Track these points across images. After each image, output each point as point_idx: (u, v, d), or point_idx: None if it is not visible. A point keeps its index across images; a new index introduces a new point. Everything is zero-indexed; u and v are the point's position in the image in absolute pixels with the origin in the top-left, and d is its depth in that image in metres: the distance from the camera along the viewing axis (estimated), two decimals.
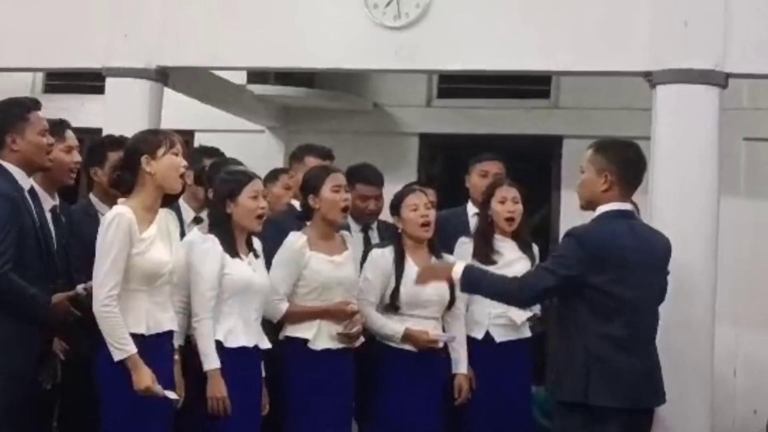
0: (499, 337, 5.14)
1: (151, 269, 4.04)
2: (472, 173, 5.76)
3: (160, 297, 4.10)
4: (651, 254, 4.04)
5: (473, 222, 5.60)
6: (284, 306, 4.68)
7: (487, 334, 5.12)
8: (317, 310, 4.72)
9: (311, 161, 5.23)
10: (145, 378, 3.96)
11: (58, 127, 4.52)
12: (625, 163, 4.07)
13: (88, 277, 4.11)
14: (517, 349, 5.17)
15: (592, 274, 3.91)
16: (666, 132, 5.32)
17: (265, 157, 7.55)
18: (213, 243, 4.38)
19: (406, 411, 4.82)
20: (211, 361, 4.27)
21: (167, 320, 4.13)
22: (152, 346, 4.05)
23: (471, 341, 5.12)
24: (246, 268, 4.43)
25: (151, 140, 4.12)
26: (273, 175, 5.56)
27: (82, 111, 7.66)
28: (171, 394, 4.05)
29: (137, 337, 3.99)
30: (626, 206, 4.08)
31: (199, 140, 7.93)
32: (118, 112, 5.92)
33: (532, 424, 5.27)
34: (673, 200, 5.25)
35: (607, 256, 3.92)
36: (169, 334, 4.15)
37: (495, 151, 5.92)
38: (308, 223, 4.87)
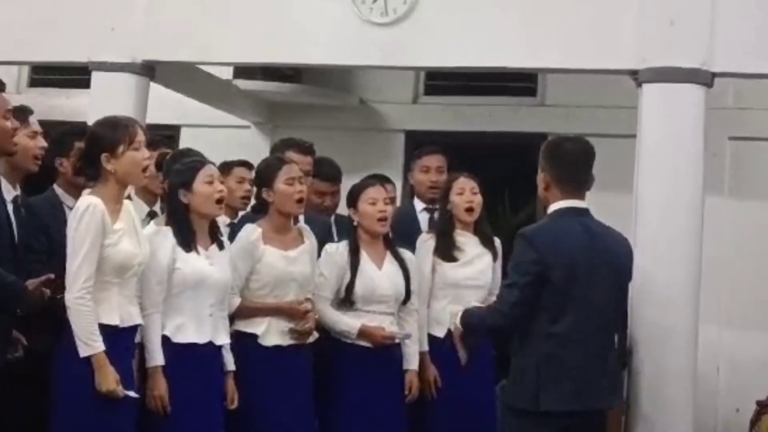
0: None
1: (122, 261, 3.99)
2: (414, 169, 5.78)
3: (128, 290, 4.06)
4: (604, 253, 3.99)
5: (421, 218, 5.61)
6: (236, 301, 4.58)
7: (449, 332, 5.11)
8: (269, 307, 4.64)
9: (292, 156, 5.18)
10: (109, 379, 3.90)
11: (20, 112, 4.37)
12: (559, 159, 4.02)
13: (53, 271, 4.04)
14: (479, 346, 5.14)
15: (547, 273, 3.89)
16: (652, 130, 5.32)
17: (251, 153, 7.50)
18: (164, 236, 4.30)
19: (365, 407, 4.78)
20: (154, 358, 4.19)
21: (136, 314, 4.09)
22: (124, 338, 4.01)
23: (433, 339, 5.09)
24: (200, 263, 4.32)
25: (109, 137, 4.03)
26: (226, 168, 5.43)
27: (67, 105, 7.64)
28: (132, 394, 4.00)
29: (110, 329, 3.95)
30: (578, 203, 4.03)
31: (185, 135, 7.92)
32: (103, 106, 5.83)
33: (496, 421, 5.26)
34: (657, 199, 5.25)
35: (555, 254, 3.90)
36: (136, 328, 4.11)
37: (480, 149, 5.91)
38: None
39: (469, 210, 5.16)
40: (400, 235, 5.18)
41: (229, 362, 4.46)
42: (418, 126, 7.92)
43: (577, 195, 4.03)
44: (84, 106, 6.12)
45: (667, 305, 5.12)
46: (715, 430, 7.08)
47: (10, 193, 4.37)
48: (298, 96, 7.83)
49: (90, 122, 5.59)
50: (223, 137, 7.65)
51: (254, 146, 7.78)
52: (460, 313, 4.26)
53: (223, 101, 7.56)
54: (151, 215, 4.93)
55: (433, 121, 7.84)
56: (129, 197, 4.72)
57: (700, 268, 5.27)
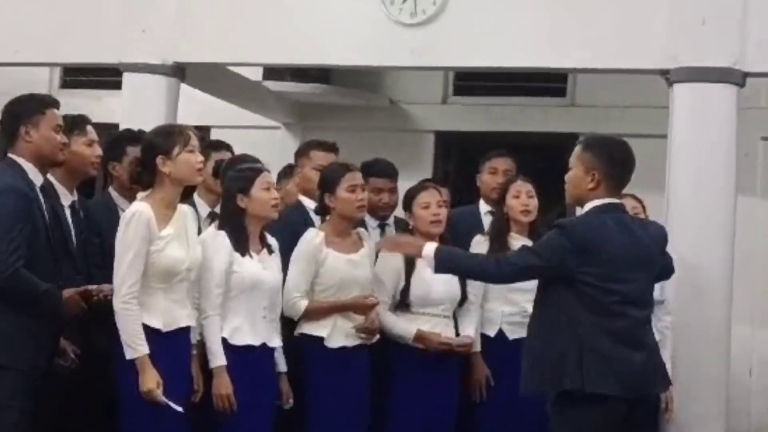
0: (512, 334, 5.13)
1: (168, 267, 4.06)
2: (483, 171, 5.76)
3: (177, 294, 4.12)
4: (639, 248, 4.00)
5: (486, 220, 5.59)
6: (304, 303, 4.65)
7: (500, 331, 5.12)
8: (337, 304, 4.70)
9: (316, 155, 5.21)
10: (149, 381, 3.97)
11: (78, 121, 4.51)
12: (613, 161, 4.04)
13: (108, 273, 4.12)
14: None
15: (580, 267, 3.89)
16: (683, 130, 5.31)
17: (281, 154, 7.53)
18: (222, 239, 4.38)
19: (420, 410, 4.81)
20: (217, 359, 4.27)
21: (184, 316, 4.15)
22: (168, 342, 4.07)
23: (484, 339, 5.11)
24: (255, 266, 4.42)
25: (165, 139, 4.13)
26: (288, 171, 5.56)
27: (99, 107, 7.65)
28: (174, 406, 4.04)
29: (153, 332, 4.02)
30: (615, 200, 4.06)
31: (215, 136, 7.93)
32: (135, 107, 5.94)
33: (547, 420, 5.25)
34: (689, 199, 5.23)
35: (593, 249, 3.91)
36: (186, 330, 4.17)
37: (510, 149, 5.91)
38: (322, 220, 4.88)
39: (525, 212, 5.19)
40: (463, 236, 5.22)
41: (281, 364, 4.54)
42: (448, 126, 7.92)
43: (616, 194, 4.07)
44: (116, 108, 6.17)
45: (699, 306, 5.10)
46: None
47: (67, 198, 4.46)
48: (328, 97, 7.84)
49: (122, 124, 5.67)
50: (252, 138, 7.66)
51: (284, 147, 7.80)
52: (431, 250, 4.13)
53: (252, 102, 7.59)
54: (212, 216, 4.99)
55: (462, 122, 7.84)
56: (191, 197, 4.79)
57: (732, 269, 5.24)
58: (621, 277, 3.92)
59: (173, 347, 4.10)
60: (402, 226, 5.23)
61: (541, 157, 7.57)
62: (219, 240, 4.38)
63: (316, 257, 4.69)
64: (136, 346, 3.97)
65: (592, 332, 3.89)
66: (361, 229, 4.95)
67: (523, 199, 5.19)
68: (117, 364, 4.04)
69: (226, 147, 5.34)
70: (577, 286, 3.91)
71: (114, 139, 4.86)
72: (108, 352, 4.11)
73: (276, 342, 4.49)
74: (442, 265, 4.14)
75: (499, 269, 4.05)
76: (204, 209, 5.06)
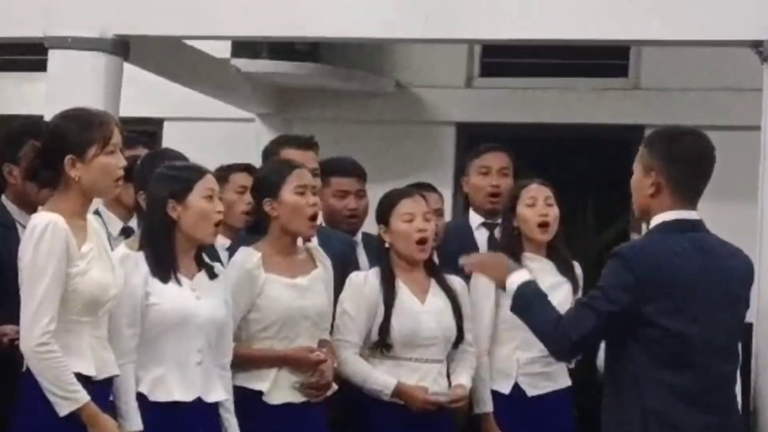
0: (533, 389, 5.11)
1: (94, 295, 3.98)
2: (471, 173, 5.75)
3: (101, 330, 4.06)
4: (723, 278, 3.95)
5: (480, 236, 5.61)
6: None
7: (516, 386, 5.08)
8: (271, 356, 4.65)
9: (290, 155, 5.10)
10: (111, 429, 3.95)
11: None
12: (675, 157, 3.97)
13: (6, 310, 4.04)
14: (557, 403, 5.13)
15: (644, 305, 3.87)
16: None
17: (256, 153, 7.52)
18: (136, 263, 4.27)
19: None
20: (130, 422, 4.16)
21: (111, 361, 4.09)
22: (100, 394, 4.00)
23: (496, 396, 5.07)
24: (183, 295, 4.29)
25: (79, 133, 4.02)
26: (223, 174, 5.39)
27: (18, 93, 7.69)
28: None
29: (83, 382, 3.94)
30: (689, 215, 4.01)
31: (170, 131, 7.95)
32: (64, 94, 5.89)
33: None
34: None
35: (660, 282, 3.87)
36: (112, 380, 4.11)
37: (554, 145, 5.89)
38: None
39: (543, 225, 5.14)
40: (451, 257, 5.18)
41: (232, 426, 4.45)
42: (472, 116, 7.92)
43: (690, 205, 4.01)
44: (40, 95, 6.15)
45: None
46: None
47: None
48: (316, 79, 7.84)
49: (47, 115, 5.63)
50: (219, 133, 7.68)
51: (260, 145, 7.77)
52: (517, 281, 4.12)
53: (218, 87, 7.59)
54: (125, 233, 4.93)
55: (491, 110, 7.84)
56: (97, 211, 4.73)
57: None
58: (697, 316, 3.89)
59: (105, 402, 4.04)
60: (373, 247, 5.16)
61: (596, 157, 7.58)
62: (130, 264, 4.25)
63: (251, 285, 4.62)
64: (72, 395, 3.88)
65: (658, 391, 3.87)
66: (314, 246, 4.87)
67: (540, 207, 5.15)
68: (21, 428, 3.94)
69: (142, 142, 5.28)
70: (642, 331, 3.88)
71: (10, 134, 4.71)
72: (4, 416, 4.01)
73: (217, 395, 4.38)
74: (515, 306, 4.06)
75: (557, 342, 3.99)
76: (114, 225, 4.98)
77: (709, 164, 4.01)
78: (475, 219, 5.73)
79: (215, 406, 4.39)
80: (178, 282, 4.32)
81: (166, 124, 7.84)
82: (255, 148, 7.68)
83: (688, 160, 3.98)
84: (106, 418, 3.95)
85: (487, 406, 5.06)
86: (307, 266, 4.77)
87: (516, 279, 4.07)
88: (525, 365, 5.06)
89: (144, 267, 4.27)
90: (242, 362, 4.60)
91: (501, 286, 4.13)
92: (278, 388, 4.64)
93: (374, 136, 7.65)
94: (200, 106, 7.71)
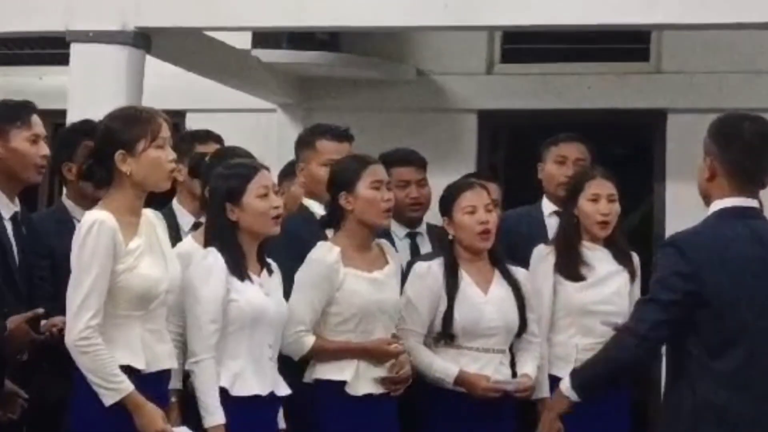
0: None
1: (143, 289, 4.04)
2: (547, 160, 5.73)
3: (155, 323, 4.11)
4: None
5: (550, 223, 5.57)
6: (310, 340, 4.66)
7: (575, 371, 5.10)
8: (353, 348, 4.71)
9: (325, 147, 5.16)
10: (155, 420, 3.98)
11: (21, 110, 4.50)
12: (729, 142, 3.96)
13: (61, 303, 4.09)
14: (612, 390, 5.12)
15: (701, 291, 3.86)
16: None
17: (278, 144, 7.54)
18: (215, 259, 4.36)
19: None
20: (214, 416, 4.25)
21: (165, 355, 4.14)
22: (153, 387, 4.06)
23: (555, 382, 5.02)
24: (258, 292, 4.41)
25: (126, 129, 4.10)
26: (290, 169, 5.55)
27: (40, 87, 7.70)
28: (183, 429, 4.11)
29: (132, 374, 4.01)
30: (748, 202, 3.99)
31: (192, 123, 7.95)
32: (86, 88, 5.94)
33: None
34: None
35: (716, 267, 3.86)
36: (166, 373, 4.17)
37: (576, 130, 5.88)
38: (332, 232, 4.85)
39: (604, 224, 5.18)
40: (521, 247, 5.20)
41: (281, 419, 4.52)
42: (494, 104, 7.89)
43: (748, 191, 3.99)
44: (61, 89, 6.17)
45: None
46: None
47: (9, 209, 4.47)
48: (336, 68, 7.83)
49: (70, 109, 5.67)
50: (240, 125, 7.66)
51: (282, 135, 7.80)
52: (567, 384, 4.24)
53: (239, 78, 7.59)
54: (197, 227, 4.97)
55: (512, 97, 7.81)
56: (170, 207, 4.74)
57: None
58: (755, 304, 3.88)
59: (158, 395, 4.08)
60: (438, 237, 5.21)
61: (619, 142, 7.56)
62: (210, 259, 4.36)
63: (331, 279, 4.69)
64: (116, 385, 3.94)
65: (711, 381, 3.86)
66: (383, 241, 4.96)
67: (602, 205, 5.18)
68: (76, 419, 4.01)
69: (214, 137, 5.32)
70: (698, 317, 3.87)
71: (66, 133, 4.85)
72: (64, 403, 4.09)
73: (285, 389, 4.49)
74: (581, 389, 4.17)
75: (641, 344, 3.96)
76: (186, 220, 5.04)
77: (762, 150, 3.98)
78: (547, 206, 5.69)
79: (281, 400, 4.48)
80: (251, 280, 4.41)
81: (188, 115, 7.84)
82: (277, 139, 7.73)
83: (743, 145, 3.95)
84: (151, 407, 3.99)
85: (544, 391, 5.06)
86: (380, 261, 4.85)
87: (564, 384, 4.23)
88: (584, 351, 5.02)
89: (222, 263, 4.36)
90: (321, 354, 4.70)
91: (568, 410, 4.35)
92: (360, 380, 4.71)
93: (395, 125, 7.64)
94: (222, 98, 7.72)
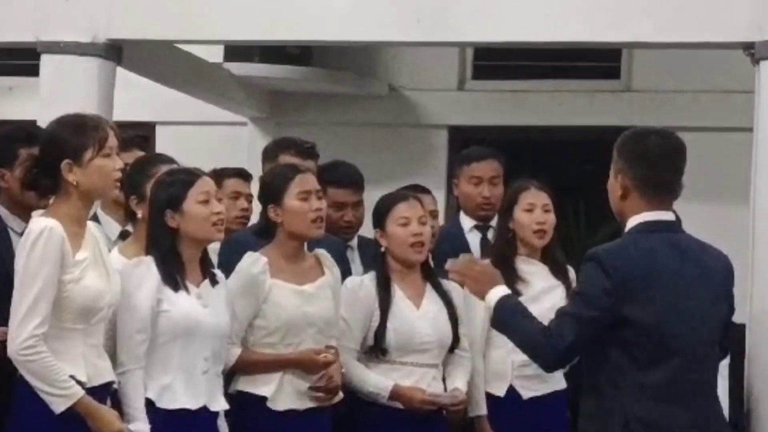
0: (527, 391, 5.11)
1: (87, 302, 4.01)
2: (461, 179, 5.75)
3: (95, 338, 4.08)
4: (700, 276, 3.95)
5: (472, 239, 5.61)
6: (236, 352, 4.59)
7: (511, 389, 5.09)
8: (280, 359, 4.65)
9: (288, 161, 5.14)
10: (112, 421, 3.98)
11: None
12: (637, 158, 3.96)
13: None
14: (552, 405, 5.14)
15: (622, 306, 3.86)
16: None
17: (248, 157, 7.54)
18: (147, 268, 4.31)
19: None
20: (138, 426, 4.19)
21: (105, 369, 4.11)
22: (95, 399, 4.02)
23: (490, 399, 5.08)
24: (191, 304, 4.33)
25: (74, 138, 4.06)
26: (217, 178, 5.42)
27: (10, 98, 7.69)
28: (140, 426, 4.10)
29: None
30: (663, 216, 4.01)
31: (162, 135, 7.95)
32: (57, 99, 5.89)
33: None
34: None
35: (637, 281, 3.87)
36: (107, 386, 4.13)
37: (547, 147, 5.89)
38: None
39: (540, 233, 5.16)
40: (444, 261, 5.19)
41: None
42: (465, 120, 7.93)
43: (662, 205, 4.00)
44: (31, 100, 6.15)
45: None
46: None
47: None
48: (308, 83, 7.85)
49: (40, 120, 5.63)
50: (210, 138, 7.68)
51: (252, 148, 7.79)
52: (495, 296, 4.11)
53: (210, 91, 7.58)
54: (124, 236, 4.94)
55: (484, 113, 7.85)
56: (95, 216, 4.73)
57: None
58: (676, 316, 3.88)
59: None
60: (368, 251, 5.17)
61: (587, 159, 7.58)
62: (142, 269, 4.30)
63: (256, 291, 4.63)
64: (66, 391, 3.91)
65: (639, 395, 3.86)
66: (322, 252, 4.89)
67: (537, 214, 5.16)
68: (18, 428, 3.96)
69: (137, 144, 5.27)
70: (621, 333, 3.87)
71: (1, 138, 4.72)
72: None
73: (220, 404, 4.44)
74: (497, 321, 4.08)
75: (556, 358, 3.94)
76: (112, 229, 4.97)
77: (671, 162, 3.96)
78: (466, 222, 5.73)
79: (216, 414, 4.43)
80: (187, 290, 4.35)
81: (158, 128, 7.85)
82: (248, 152, 7.72)
83: (649, 159, 3.96)
84: (106, 409, 4.00)
85: (482, 408, 5.06)
86: (314, 273, 4.79)
87: (496, 293, 4.07)
88: (520, 367, 5.05)
89: (156, 274, 4.31)
90: (248, 366, 4.65)
91: (480, 297, 4.13)
92: (282, 394, 4.66)
93: (367, 140, 7.65)
94: (193, 110, 7.72)
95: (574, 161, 5.98)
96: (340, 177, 5.41)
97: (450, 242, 5.52)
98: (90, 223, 4.16)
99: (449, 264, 4.25)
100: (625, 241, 3.96)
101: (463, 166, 5.75)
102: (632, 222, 3.97)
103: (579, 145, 7.47)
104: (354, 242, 5.48)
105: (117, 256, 4.44)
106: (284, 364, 4.66)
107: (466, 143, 8.05)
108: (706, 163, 6.78)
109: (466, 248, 5.48)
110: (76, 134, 4.07)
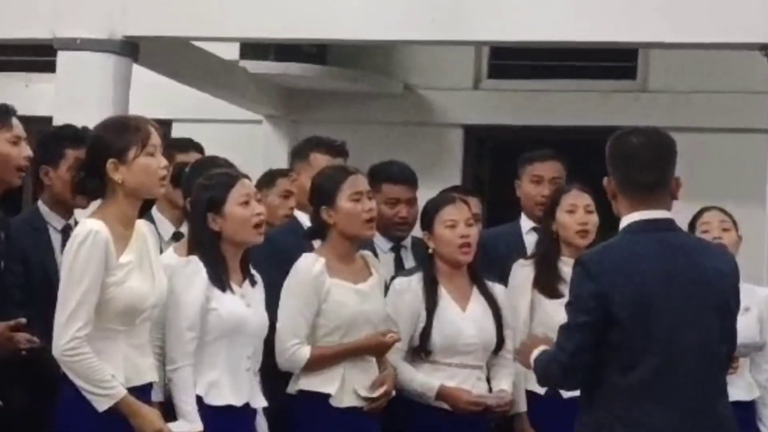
0: (567, 391, 5.12)
1: (130, 304, 4.04)
2: (523, 179, 5.76)
3: (139, 339, 4.11)
4: (697, 275, 3.93)
5: (529, 240, 5.59)
6: (306, 351, 4.65)
7: (552, 387, 5.10)
8: (349, 347, 4.71)
9: (318, 159, 5.20)
10: (154, 420, 4.01)
11: (2, 113, 4.49)
12: (622, 159, 3.96)
13: (33, 313, 4.09)
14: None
15: (610, 308, 3.85)
16: None
17: (264, 154, 7.56)
18: (196, 268, 4.36)
19: None
20: (191, 422, 4.26)
21: (147, 369, 4.15)
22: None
23: (531, 398, 5.09)
24: (238, 303, 4.41)
25: (117, 138, 4.10)
26: (268, 179, 5.54)
27: (26, 94, 7.69)
28: (185, 425, 4.15)
29: None
30: (656, 214, 3.98)
31: (178, 133, 7.96)
32: (73, 95, 5.93)
33: None
34: None
35: (623, 283, 3.85)
36: (149, 387, 4.17)
37: (562, 147, 5.90)
38: (318, 243, 4.86)
39: (583, 233, 5.17)
40: (499, 261, 5.21)
41: (263, 429, 4.55)
42: (481, 119, 7.92)
43: (653, 204, 3.98)
44: (48, 96, 6.17)
45: None
46: None
47: None
48: (324, 81, 7.85)
49: (56, 116, 5.66)
50: (227, 135, 7.67)
51: (268, 146, 7.82)
52: (534, 354, 4.18)
53: (226, 88, 7.60)
54: (177, 237, 4.97)
55: (499, 113, 7.84)
56: (150, 216, 4.75)
57: None
58: (666, 318, 3.86)
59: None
60: (421, 251, 5.22)
61: (603, 159, 7.56)
62: (191, 268, 4.36)
63: (317, 291, 4.69)
64: (109, 391, 3.95)
65: (623, 398, 3.85)
66: (367, 253, 4.96)
67: (579, 215, 5.18)
68: (62, 427, 4.00)
69: (195, 146, 5.32)
70: (610, 336, 3.86)
71: (49, 137, 4.80)
72: (28, 412, 4.08)
73: (261, 401, 4.50)
74: (538, 377, 4.10)
75: (563, 371, 3.91)
76: (166, 229, 5.03)
77: (649, 161, 3.92)
78: (526, 223, 5.70)
79: (255, 411, 4.49)
80: (231, 290, 4.41)
81: (174, 125, 7.85)
82: (262, 150, 7.73)
83: (627, 160, 3.93)
84: (148, 408, 4.03)
85: (522, 406, 5.08)
86: (364, 272, 4.84)
87: (533, 356, 4.09)
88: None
89: (203, 273, 4.36)
90: (320, 362, 4.70)
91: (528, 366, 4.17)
92: (345, 392, 4.71)
93: (382, 138, 7.65)
94: (208, 108, 7.73)
95: (590, 162, 5.94)
96: (395, 173, 5.44)
97: (507, 243, 5.55)
98: (141, 222, 4.19)
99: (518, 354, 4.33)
100: (610, 243, 3.95)
101: (526, 166, 5.75)
102: (623, 223, 3.96)
103: (594, 145, 7.46)
104: (407, 242, 5.50)
105: (171, 254, 4.49)
106: (354, 351, 4.72)
107: (480, 143, 8.09)
108: (721, 163, 6.78)
109: (523, 250, 5.48)
110: (119, 134, 4.11)
